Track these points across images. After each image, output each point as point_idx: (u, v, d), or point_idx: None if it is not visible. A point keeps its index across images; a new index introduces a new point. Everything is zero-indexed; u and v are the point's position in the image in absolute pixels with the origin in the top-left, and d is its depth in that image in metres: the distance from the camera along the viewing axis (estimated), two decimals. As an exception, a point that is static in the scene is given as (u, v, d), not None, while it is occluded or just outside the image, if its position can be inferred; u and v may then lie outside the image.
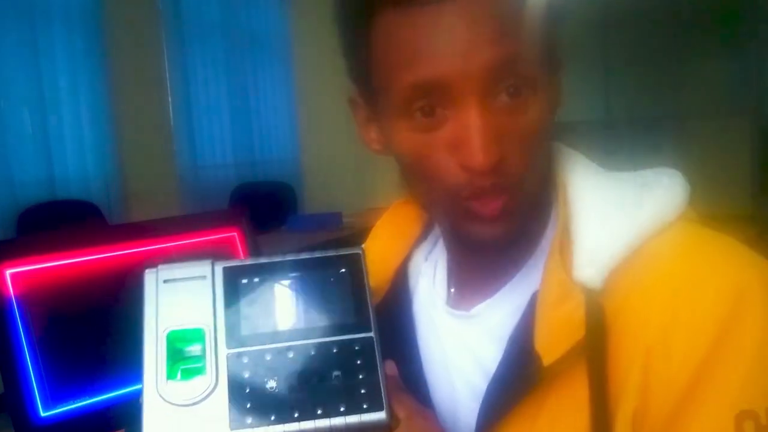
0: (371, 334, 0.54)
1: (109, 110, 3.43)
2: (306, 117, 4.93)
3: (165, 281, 0.54)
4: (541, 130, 0.55)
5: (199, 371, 0.51)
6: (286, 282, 0.55)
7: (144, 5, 3.76)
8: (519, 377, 0.54)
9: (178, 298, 0.53)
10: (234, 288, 0.54)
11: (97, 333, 0.90)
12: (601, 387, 0.51)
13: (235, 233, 1.03)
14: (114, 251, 0.92)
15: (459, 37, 0.51)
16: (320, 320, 0.54)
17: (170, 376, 0.50)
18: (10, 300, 0.83)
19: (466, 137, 0.52)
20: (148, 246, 0.95)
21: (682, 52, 4.40)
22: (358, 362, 0.53)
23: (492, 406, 0.56)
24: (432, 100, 0.53)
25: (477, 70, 0.51)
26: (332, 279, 0.56)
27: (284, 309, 0.54)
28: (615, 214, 0.56)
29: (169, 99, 3.91)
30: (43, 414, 0.83)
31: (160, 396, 0.49)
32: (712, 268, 0.52)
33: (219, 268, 0.54)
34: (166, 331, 0.52)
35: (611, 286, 0.53)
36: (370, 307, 0.55)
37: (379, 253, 0.72)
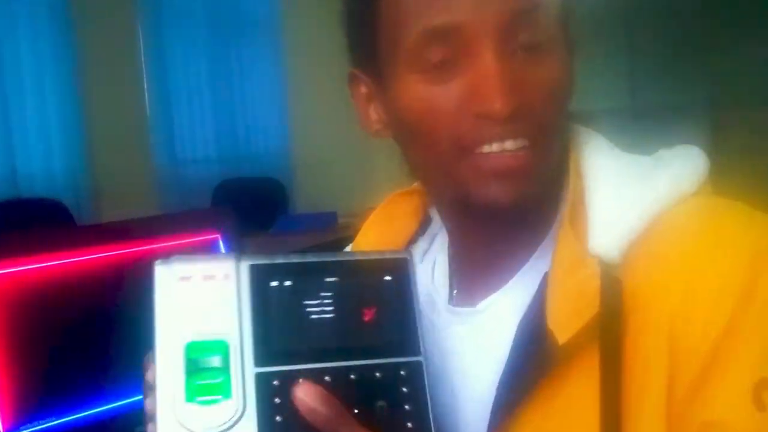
0: (419, 358, 0.52)
1: (78, 98, 3.43)
2: (297, 106, 4.93)
3: (181, 278, 0.50)
4: (559, 88, 0.58)
5: (223, 393, 0.48)
6: (323, 288, 0.52)
7: (117, -19, 3.77)
8: (532, 361, 0.55)
9: (197, 301, 0.50)
10: (263, 291, 0.51)
11: (68, 344, 0.90)
12: (616, 366, 0.53)
13: (219, 235, 1.03)
14: (81, 255, 0.92)
15: None
16: (362, 338, 0.52)
17: (189, 397, 0.47)
18: (-33, 309, 0.83)
19: (483, 83, 0.54)
20: (121, 249, 0.95)
21: (715, 36, 4.40)
22: (405, 390, 0.50)
23: (504, 399, 0.57)
24: (445, 49, 0.56)
25: (495, 18, 0.54)
26: (375, 287, 0.53)
27: (320, 322, 0.51)
28: (630, 186, 0.58)
29: (145, 86, 3.91)
30: (4, 437, 0.83)
31: (178, 421, 0.46)
32: (730, 235, 0.55)
33: (245, 266, 0.51)
34: (185, 342, 0.48)
35: (629, 259, 0.55)
36: (418, 325, 0.53)
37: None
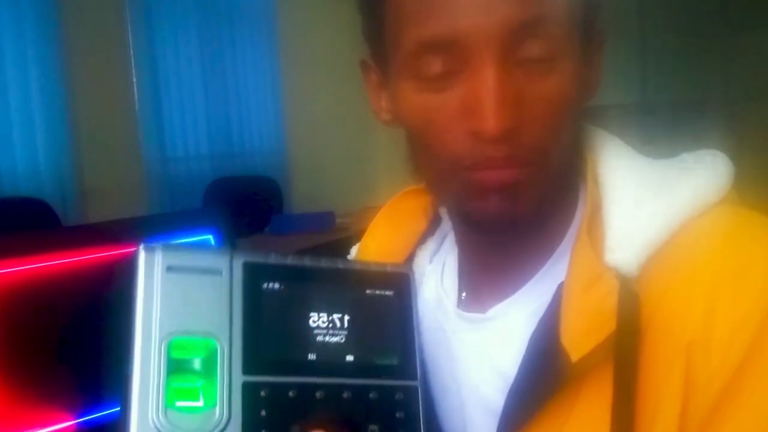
0: (416, 383, 0.52)
1: (64, 93, 3.42)
2: (293, 101, 4.93)
3: (168, 269, 0.48)
4: (566, 102, 0.56)
5: (206, 399, 0.46)
6: (319, 296, 0.51)
7: (104, -29, 3.76)
8: (543, 378, 0.55)
9: (185, 295, 0.47)
10: (255, 292, 0.49)
11: (56, 348, 0.90)
12: (629, 388, 0.52)
13: (211, 236, 1.03)
14: (67, 257, 0.92)
15: None
16: (357, 355, 0.50)
17: (169, 402, 0.45)
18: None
19: (478, 100, 0.53)
20: (109, 251, 0.95)
21: (729, 29, 4.40)
22: (398, 416, 0.50)
23: (512, 415, 0.56)
24: (443, 59, 0.55)
25: (496, 27, 0.53)
26: (375, 303, 0.52)
27: (315, 332, 0.50)
28: (651, 195, 0.57)
29: (134, 80, 3.91)
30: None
31: (155, 427, 0.44)
32: (758, 253, 0.53)
33: (238, 263, 0.50)
34: (168, 339, 0.46)
35: (648, 274, 0.54)
36: (416, 347, 0.53)
37: (376, 252, 0.73)
